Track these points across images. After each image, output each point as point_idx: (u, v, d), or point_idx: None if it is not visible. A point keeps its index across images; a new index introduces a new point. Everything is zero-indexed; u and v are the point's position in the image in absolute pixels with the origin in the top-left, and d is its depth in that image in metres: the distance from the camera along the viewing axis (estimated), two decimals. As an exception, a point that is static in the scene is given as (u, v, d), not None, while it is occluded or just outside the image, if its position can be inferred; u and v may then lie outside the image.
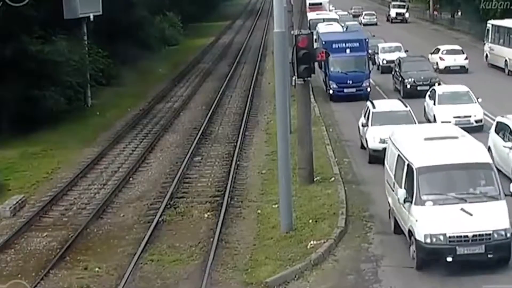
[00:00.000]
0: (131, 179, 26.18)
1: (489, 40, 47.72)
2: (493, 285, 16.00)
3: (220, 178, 25.62)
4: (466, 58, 45.95)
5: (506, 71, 43.90)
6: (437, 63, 45.00)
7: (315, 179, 23.59)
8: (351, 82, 37.87)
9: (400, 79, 38.50)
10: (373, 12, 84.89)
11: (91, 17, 40.61)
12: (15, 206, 23.14)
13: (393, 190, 18.51)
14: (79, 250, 19.70)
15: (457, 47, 48.12)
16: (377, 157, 24.50)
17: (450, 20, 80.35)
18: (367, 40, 39.79)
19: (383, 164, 20.25)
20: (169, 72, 53.63)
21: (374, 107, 27.16)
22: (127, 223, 21.76)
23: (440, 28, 77.54)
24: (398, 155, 18.18)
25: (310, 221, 19.94)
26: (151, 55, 57.33)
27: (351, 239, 18.90)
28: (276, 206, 20.84)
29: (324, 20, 58.60)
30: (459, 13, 78.14)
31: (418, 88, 36.76)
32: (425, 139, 18.15)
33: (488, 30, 48.14)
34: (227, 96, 43.18)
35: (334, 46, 37.81)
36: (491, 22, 48.91)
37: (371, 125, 26.35)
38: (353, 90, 37.72)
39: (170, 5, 74.88)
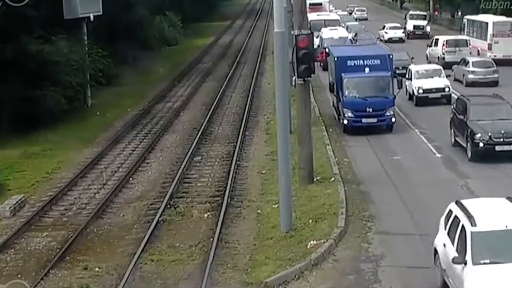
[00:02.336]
0: (131, 179, 26.18)
1: (465, 33, 53.04)
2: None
3: (220, 178, 25.62)
4: (403, 32, 65.97)
5: None
6: (383, 35, 64.17)
7: (315, 179, 23.60)
8: (371, 110, 30.23)
9: (467, 131, 26.02)
10: (364, 8, 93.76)
11: (91, 17, 40.62)
12: (15, 206, 23.12)
13: None
14: (79, 250, 19.69)
15: (397, 24, 68.23)
16: None
17: (450, 20, 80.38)
18: (391, 56, 31.66)
19: None
20: (169, 72, 53.64)
21: (472, 222, 14.08)
22: (127, 223, 21.76)
23: (440, 28, 77.52)
24: None
25: (310, 221, 19.95)
26: (151, 55, 57.29)
27: (351, 239, 18.91)
28: (276, 206, 20.84)
29: (325, 21, 57.79)
30: (459, 13, 78.15)
31: (497, 148, 25.32)
32: None
33: (464, 24, 54.55)
34: (227, 96, 43.17)
35: (349, 63, 31.01)
36: (467, 17, 56.17)
37: (473, 262, 13.54)
38: (374, 120, 30.43)
39: (170, 5, 74.87)
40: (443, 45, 48.17)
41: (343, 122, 30.93)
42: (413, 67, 38.12)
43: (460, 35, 52.13)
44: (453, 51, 47.23)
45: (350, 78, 30.58)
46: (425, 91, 35.88)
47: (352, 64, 30.96)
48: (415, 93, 36.13)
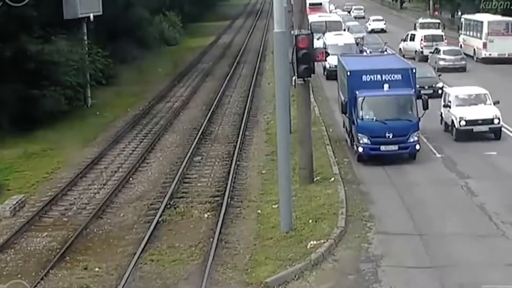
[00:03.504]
0: (131, 179, 26.18)
1: (462, 32, 54.66)
2: (492, 285, 16.05)
3: (220, 178, 25.62)
4: (384, 24, 74.82)
5: (475, 58, 50.29)
6: (367, 27, 71.55)
7: (315, 179, 23.60)
8: (391, 135, 25.57)
9: None
10: (362, 7, 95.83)
11: (91, 17, 40.62)
12: (15, 206, 23.13)
13: None
14: (79, 250, 19.69)
15: (380, 17, 77.58)
16: None
17: (450, 20, 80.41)
18: (414, 70, 26.86)
19: None
20: (169, 72, 53.62)
21: None
22: (127, 223, 21.76)
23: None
24: None
25: (310, 221, 19.96)
26: (151, 55, 57.35)
27: (351, 239, 18.92)
28: (276, 206, 20.85)
29: (326, 23, 56.17)
30: (459, 13, 78.23)
31: None
32: None
33: (462, 23, 55.71)
34: (227, 96, 43.16)
35: (364, 78, 26.33)
36: (464, 16, 57.03)
37: None
38: (395, 147, 25.69)
39: (170, 5, 74.94)
40: (421, 40, 51.99)
41: (357, 150, 26.09)
42: (451, 91, 30.54)
43: (437, 31, 56.25)
44: (430, 46, 50.50)
45: (366, 97, 25.91)
46: (468, 122, 28.27)
47: (368, 79, 26.34)
48: (456, 125, 28.45)
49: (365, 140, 25.73)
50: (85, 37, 41.20)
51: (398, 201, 22.08)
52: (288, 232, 19.23)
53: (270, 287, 16.51)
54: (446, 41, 52.35)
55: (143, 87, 46.48)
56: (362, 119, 25.86)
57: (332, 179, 23.81)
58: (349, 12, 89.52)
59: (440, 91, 35.33)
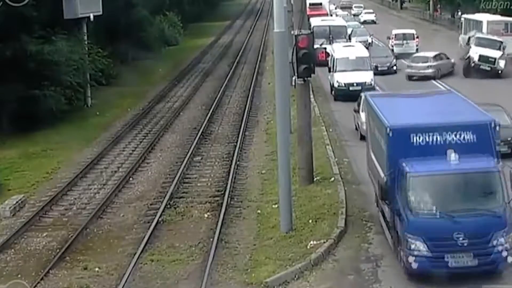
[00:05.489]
0: (131, 179, 26.19)
1: (462, 32, 53.75)
2: (493, 285, 16.03)
3: (220, 178, 25.62)
4: (375, 16, 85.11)
5: None
6: (360, 19, 78.75)
7: (315, 179, 23.59)
8: (464, 240, 15.56)
9: None
10: (361, 5, 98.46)
11: (91, 17, 40.65)
12: (15, 206, 23.15)
13: None
14: (79, 250, 19.71)
15: (371, 10, 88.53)
16: None
17: (450, 20, 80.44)
18: (494, 125, 16.41)
19: None
20: (169, 72, 53.67)
21: None
22: (127, 223, 21.77)
23: (440, 28, 77.56)
24: None
25: (310, 221, 19.96)
26: (151, 55, 57.35)
27: (351, 239, 18.91)
28: (276, 206, 20.85)
29: (330, 27, 52.62)
30: (459, 13, 78.28)
31: None
32: None
33: (462, 23, 55.26)
34: (227, 96, 43.18)
35: (415, 140, 16.40)
36: (464, 16, 56.81)
37: None
38: (471, 260, 15.70)
39: (170, 5, 74.98)
40: (392, 38, 53.28)
41: (406, 262, 16.09)
42: None
43: (408, 30, 56.92)
44: (401, 44, 51.83)
45: (421, 176, 16.01)
46: None
47: (422, 142, 16.38)
48: None
49: (421, 247, 15.75)
50: (85, 37, 41.25)
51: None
52: (288, 232, 19.23)
53: (270, 287, 16.52)
54: (417, 40, 53.38)
55: (143, 87, 46.51)
56: (416, 212, 15.87)
57: (332, 179, 23.80)
58: (348, 9, 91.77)
59: None
